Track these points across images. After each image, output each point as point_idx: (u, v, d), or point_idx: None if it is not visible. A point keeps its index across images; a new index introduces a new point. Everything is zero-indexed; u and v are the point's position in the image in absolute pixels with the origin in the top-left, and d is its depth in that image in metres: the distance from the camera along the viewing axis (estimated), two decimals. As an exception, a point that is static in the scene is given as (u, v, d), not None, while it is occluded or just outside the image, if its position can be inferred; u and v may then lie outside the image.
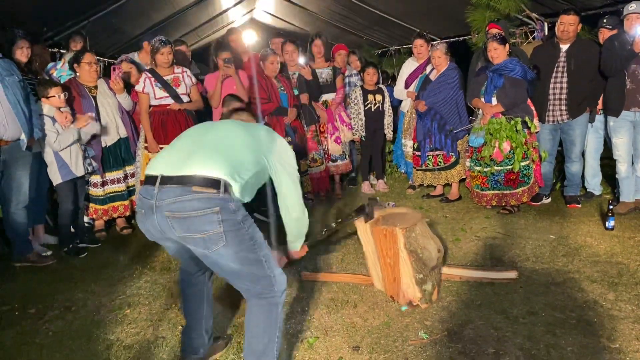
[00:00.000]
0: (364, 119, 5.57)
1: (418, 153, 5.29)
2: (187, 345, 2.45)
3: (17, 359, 2.63)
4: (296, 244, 2.54)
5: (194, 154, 2.01)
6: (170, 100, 4.44)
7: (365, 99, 5.57)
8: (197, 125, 2.37)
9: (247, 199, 2.12)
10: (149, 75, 4.42)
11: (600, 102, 4.63)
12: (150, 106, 4.47)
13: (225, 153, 2.04)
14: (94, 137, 4.28)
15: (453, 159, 5.15)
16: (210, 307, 2.47)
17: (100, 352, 2.66)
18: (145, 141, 4.52)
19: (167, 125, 4.45)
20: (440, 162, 5.18)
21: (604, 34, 4.51)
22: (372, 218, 3.13)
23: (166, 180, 1.95)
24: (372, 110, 5.57)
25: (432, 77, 5.14)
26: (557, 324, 2.71)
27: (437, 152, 5.15)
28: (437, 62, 5.04)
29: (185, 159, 1.99)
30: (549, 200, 4.95)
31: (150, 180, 2.00)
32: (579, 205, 4.74)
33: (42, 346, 2.73)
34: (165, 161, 2.06)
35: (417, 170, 5.36)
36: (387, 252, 2.99)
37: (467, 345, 2.55)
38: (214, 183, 1.92)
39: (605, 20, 4.55)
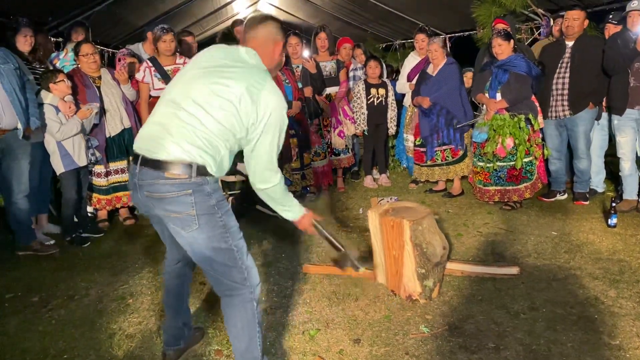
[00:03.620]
0: (366, 112, 5.56)
1: (422, 149, 5.27)
2: (169, 337, 2.46)
3: (20, 346, 2.65)
4: (286, 213, 2.25)
5: (168, 136, 1.95)
6: None
7: (367, 93, 5.56)
8: (174, 85, 2.11)
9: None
10: (150, 64, 4.40)
11: (604, 99, 4.61)
12: (149, 97, 4.45)
13: (196, 133, 1.94)
14: (96, 126, 4.28)
15: (461, 153, 5.14)
16: (188, 300, 2.50)
17: (102, 341, 2.67)
18: None
19: None
20: (448, 156, 5.17)
21: (610, 29, 4.48)
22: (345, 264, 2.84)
23: (144, 162, 1.97)
24: (375, 104, 5.56)
25: (430, 71, 5.11)
26: (558, 320, 2.71)
27: (444, 147, 5.14)
28: (434, 56, 5.03)
29: (160, 140, 1.96)
30: (565, 196, 4.91)
31: (134, 158, 2.04)
32: (586, 203, 4.72)
33: (45, 334, 2.76)
34: (146, 138, 2.03)
35: (422, 166, 5.34)
36: (393, 244, 3.00)
37: (468, 340, 2.56)
38: (186, 168, 1.91)
39: (611, 16, 4.52)
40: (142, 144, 2.03)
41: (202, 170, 1.94)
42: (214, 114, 1.95)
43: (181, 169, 1.91)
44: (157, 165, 1.94)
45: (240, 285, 2.05)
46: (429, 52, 5.07)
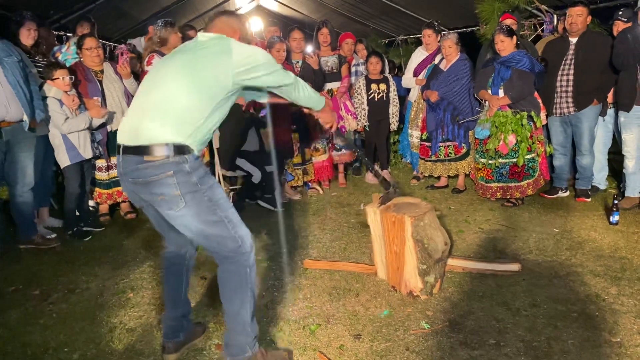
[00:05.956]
0: (367, 108, 5.54)
1: (428, 144, 5.26)
2: (168, 329, 2.46)
3: (21, 339, 2.65)
4: (316, 107, 2.48)
5: (143, 121, 2.04)
6: None
7: (368, 89, 5.54)
8: (146, 77, 2.23)
9: (215, 129, 2.16)
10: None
11: (610, 95, 4.59)
12: None
13: (169, 111, 2.02)
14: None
15: (464, 150, 5.13)
16: (187, 291, 2.50)
17: (103, 334, 2.68)
18: None
19: None
20: (450, 153, 5.16)
21: (619, 26, 4.44)
22: (390, 199, 3.17)
23: (126, 149, 2.07)
24: (376, 99, 5.54)
25: (443, 66, 5.11)
26: (559, 317, 2.71)
27: (448, 143, 5.13)
28: (447, 52, 5.01)
29: (137, 127, 2.04)
30: (567, 194, 4.90)
31: (117, 148, 2.13)
32: (588, 200, 4.71)
33: (45, 327, 2.76)
34: (125, 128, 2.12)
35: (426, 161, 5.34)
36: (394, 240, 2.99)
37: (469, 336, 2.56)
38: (163, 149, 1.99)
39: (620, 13, 4.49)
40: (122, 135, 2.11)
41: (180, 149, 2.01)
42: (185, 86, 2.03)
43: (159, 151, 1.99)
44: (136, 150, 2.03)
45: (234, 253, 2.14)
46: (442, 48, 5.06)
